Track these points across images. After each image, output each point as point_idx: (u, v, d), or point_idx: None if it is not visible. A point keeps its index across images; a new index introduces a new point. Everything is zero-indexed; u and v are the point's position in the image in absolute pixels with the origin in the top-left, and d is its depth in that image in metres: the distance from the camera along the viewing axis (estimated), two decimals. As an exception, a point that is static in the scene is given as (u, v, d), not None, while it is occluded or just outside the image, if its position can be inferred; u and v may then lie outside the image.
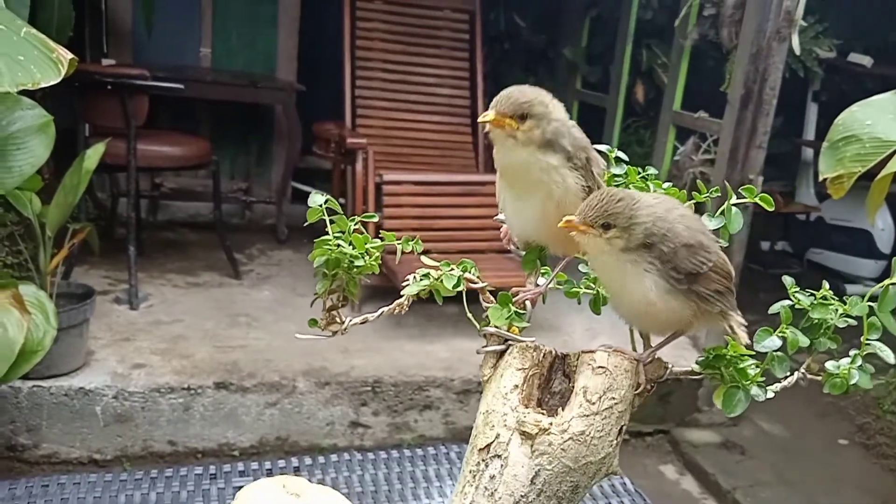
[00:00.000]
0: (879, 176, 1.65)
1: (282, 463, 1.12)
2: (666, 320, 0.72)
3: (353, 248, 0.71)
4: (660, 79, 4.13)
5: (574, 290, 0.81)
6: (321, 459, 1.14)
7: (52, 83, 1.77)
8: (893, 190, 5.37)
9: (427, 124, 3.78)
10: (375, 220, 0.77)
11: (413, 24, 3.84)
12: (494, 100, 0.72)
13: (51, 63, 1.81)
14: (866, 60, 4.72)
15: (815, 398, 3.44)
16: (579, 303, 0.84)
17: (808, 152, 4.85)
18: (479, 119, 0.73)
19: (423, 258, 0.73)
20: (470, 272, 0.73)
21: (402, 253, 0.74)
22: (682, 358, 3.19)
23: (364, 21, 3.75)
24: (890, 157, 1.63)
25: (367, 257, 0.70)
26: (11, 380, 2.15)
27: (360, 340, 2.97)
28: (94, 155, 2.59)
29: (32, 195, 2.45)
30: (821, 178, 1.74)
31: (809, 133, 4.84)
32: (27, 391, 2.41)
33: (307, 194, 0.76)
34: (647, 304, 0.70)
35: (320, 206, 0.71)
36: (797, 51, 2.95)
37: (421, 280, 0.73)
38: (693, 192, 0.79)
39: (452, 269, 0.71)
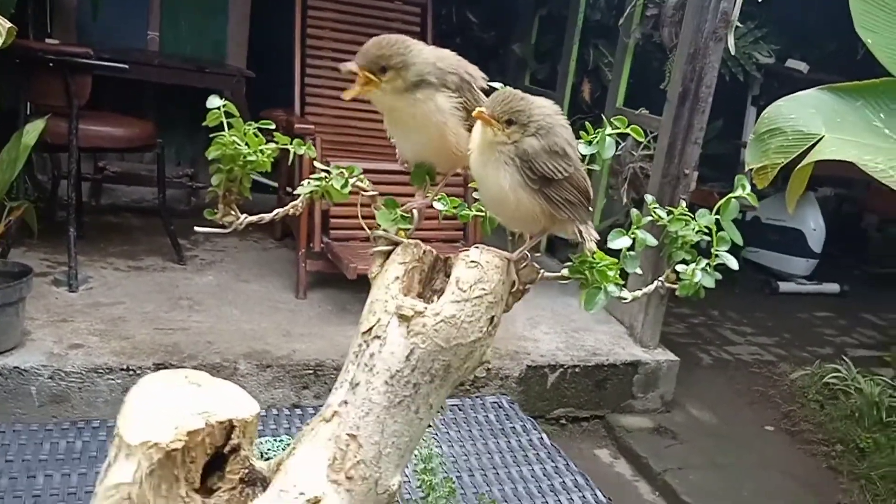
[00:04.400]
0: (799, 167, 1.75)
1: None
2: (516, 210, 0.79)
3: (248, 147, 0.75)
4: (606, 77, 4.23)
5: (465, 212, 0.87)
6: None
7: (-11, 52, 1.76)
8: (825, 193, 5.52)
9: (376, 114, 3.78)
10: (273, 126, 0.81)
11: (365, 15, 3.86)
12: (357, 54, 0.78)
13: (-13, 32, 1.80)
14: (803, 66, 4.91)
15: (744, 388, 3.59)
16: (466, 221, 0.89)
17: (745, 152, 5.02)
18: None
19: (316, 163, 0.77)
20: (358, 178, 0.78)
21: (296, 155, 0.79)
22: (618, 346, 3.29)
23: (315, 10, 3.75)
24: (810, 149, 1.73)
25: (259, 154, 0.74)
26: (-59, 355, 2.12)
27: (303, 325, 2.99)
28: (33, 131, 2.56)
29: (-32, 171, 2.41)
30: (746, 169, 1.83)
31: (748, 135, 4.98)
32: (-42, 369, 2.37)
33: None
34: (500, 191, 0.79)
35: (218, 108, 0.75)
36: (732, 50, 3.07)
37: (313, 183, 0.78)
38: (581, 133, 0.85)
39: (341, 172, 0.76)
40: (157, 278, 3.24)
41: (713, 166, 4.74)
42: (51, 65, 2.96)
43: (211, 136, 0.77)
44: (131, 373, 2.55)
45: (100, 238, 3.56)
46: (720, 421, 3.24)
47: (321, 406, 2.47)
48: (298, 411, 1.34)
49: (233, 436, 0.70)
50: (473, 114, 0.76)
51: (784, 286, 4.86)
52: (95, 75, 3.03)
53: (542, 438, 1.31)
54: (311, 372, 2.74)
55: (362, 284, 3.21)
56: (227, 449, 0.70)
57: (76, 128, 2.98)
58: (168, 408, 0.69)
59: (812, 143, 1.72)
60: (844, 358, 3.68)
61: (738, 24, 3.11)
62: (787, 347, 4.12)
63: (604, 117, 0.87)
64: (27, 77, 3.06)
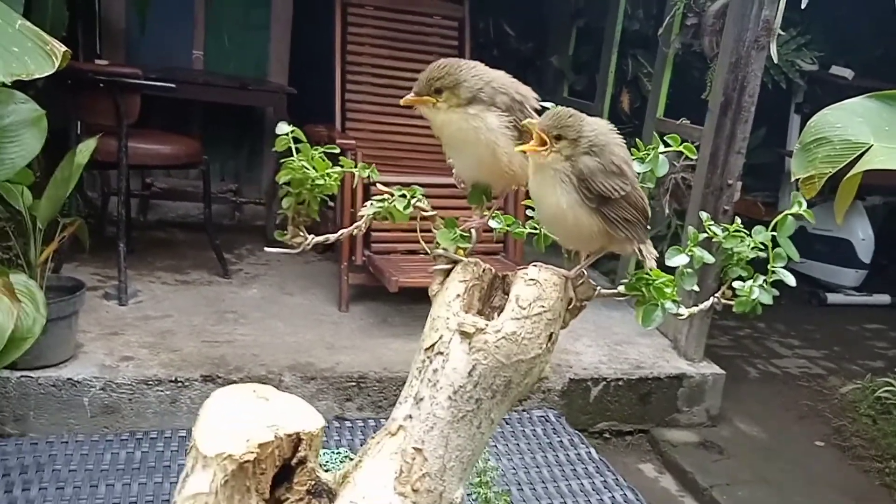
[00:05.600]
0: (847, 176, 1.72)
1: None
2: (574, 228, 0.80)
3: (315, 171, 0.77)
4: (645, 88, 4.21)
5: (519, 230, 0.88)
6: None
7: (46, 74, 1.82)
8: (874, 202, 5.38)
9: (416, 128, 3.82)
10: (337, 151, 0.83)
11: (403, 31, 3.91)
12: (414, 85, 0.81)
13: (45, 55, 1.86)
14: (848, 73, 4.82)
15: (792, 402, 3.51)
16: (520, 238, 0.90)
17: (791, 163, 4.93)
18: (402, 101, 0.81)
19: (380, 186, 0.79)
20: (419, 200, 0.80)
21: (361, 179, 0.81)
22: (662, 359, 3.25)
23: (355, 26, 3.81)
24: (858, 158, 1.70)
25: (326, 178, 0.77)
26: (0, 367, 2.18)
27: (346, 337, 3.02)
28: (85, 150, 2.63)
29: (24, 188, 2.49)
30: (792, 179, 1.81)
31: (792, 144, 4.91)
32: (15, 381, 2.43)
33: None
34: (558, 210, 0.80)
35: (286, 134, 0.78)
36: (775, 59, 3.03)
37: (377, 204, 0.80)
38: (632, 149, 0.85)
39: (403, 194, 0.78)
40: (204, 292, 3.30)
41: (756, 175, 4.67)
42: (101, 85, 3.04)
43: (280, 161, 0.79)
44: (179, 384, 2.60)
45: (148, 253, 3.64)
46: (768, 436, 3.18)
47: (365, 418, 2.49)
48: (348, 423, 1.36)
49: (300, 448, 0.72)
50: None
51: (832, 297, 4.75)
52: (143, 94, 3.11)
53: (590, 453, 1.30)
54: (354, 384, 2.76)
55: (403, 297, 3.24)
56: (294, 461, 0.72)
57: (125, 146, 3.07)
58: (239, 421, 0.71)
59: (860, 152, 1.69)
60: (897, 371, 3.58)
61: (781, 32, 3.06)
62: (837, 360, 4.02)
63: (655, 134, 0.88)
64: (78, 97, 3.16)
